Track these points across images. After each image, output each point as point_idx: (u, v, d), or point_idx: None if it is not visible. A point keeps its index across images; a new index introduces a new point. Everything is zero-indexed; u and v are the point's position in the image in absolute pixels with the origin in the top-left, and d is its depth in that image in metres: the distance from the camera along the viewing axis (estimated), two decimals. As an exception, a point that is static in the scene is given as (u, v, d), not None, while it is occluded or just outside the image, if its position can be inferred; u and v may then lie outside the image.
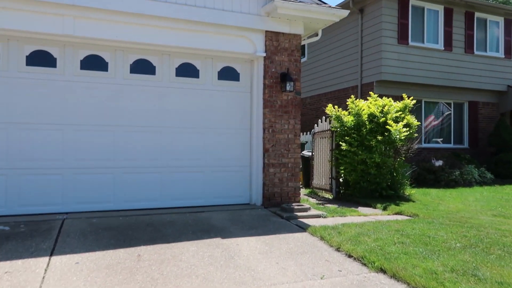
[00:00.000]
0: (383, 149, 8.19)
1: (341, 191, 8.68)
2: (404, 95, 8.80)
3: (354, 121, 8.40)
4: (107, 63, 6.22)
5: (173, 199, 6.54)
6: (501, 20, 14.29)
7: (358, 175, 8.19)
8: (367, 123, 8.27)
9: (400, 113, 8.37)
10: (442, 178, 10.93)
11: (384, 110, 8.40)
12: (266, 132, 6.79)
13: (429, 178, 11.05)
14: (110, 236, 4.87)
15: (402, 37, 12.68)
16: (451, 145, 13.83)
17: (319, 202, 7.97)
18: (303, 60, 16.72)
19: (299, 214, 6.17)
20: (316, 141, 9.71)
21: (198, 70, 6.74)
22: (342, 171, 8.47)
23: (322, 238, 4.91)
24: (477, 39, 13.87)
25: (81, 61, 6.09)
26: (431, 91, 13.32)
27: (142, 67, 6.41)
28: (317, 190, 9.43)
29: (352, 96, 8.91)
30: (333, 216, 6.34)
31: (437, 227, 5.38)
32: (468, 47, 13.66)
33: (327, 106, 8.82)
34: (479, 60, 13.82)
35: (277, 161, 6.85)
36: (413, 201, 7.89)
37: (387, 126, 8.06)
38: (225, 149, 6.87)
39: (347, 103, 8.62)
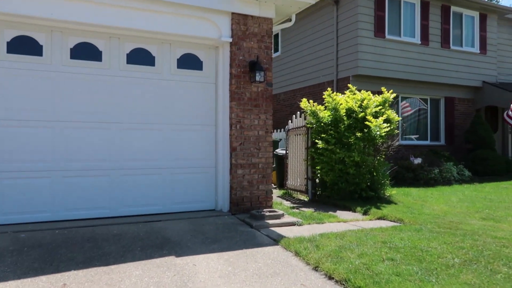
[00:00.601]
0: (363, 147, 7.46)
1: (318, 193, 7.91)
2: (383, 89, 8.11)
3: (331, 116, 7.63)
4: (42, 46, 5.17)
5: (125, 206, 5.56)
6: (476, 14, 13.91)
7: (336, 175, 7.43)
8: (345, 118, 7.52)
9: (380, 107, 7.66)
10: (421, 176, 10.36)
11: (363, 104, 7.66)
12: (233, 128, 5.91)
13: (408, 177, 10.47)
14: (35, 257, 3.88)
15: (379, 30, 12.06)
16: (427, 142, 13.35)
17: (294, 205, 7.16)
18: (276, 54, 15.92)
19: (270, 222, 5.33)
20: (290, 138, 8.91)
21: (154, 57, 5.78)
22: (319, 171, 7.69)
23: (297, 254, 4.08)
24: (453, 34, 13.44)
25: None
26: (408, 87, 12.77)
27: (85, 52, 5.39)
28: (291, 191, 8.63)
29: (328, 88, 8.14)
30: (309, 223, 5.53)
31: (427, 236, 4.65)
32: (445, 41, 13.20)
33: (301, 101, 8.02)
34: (455, 55, 13.39)
35: (246, 161, 5.98)
36: (395, 203, 7.21)
37: (367, 122, 7.33)
38: (186, 148, 5.94)
39: (324, 96, 7.84)
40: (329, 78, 12.93)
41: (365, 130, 7.35)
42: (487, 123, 13.08)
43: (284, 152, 9.55)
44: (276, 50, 16.06)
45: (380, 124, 7.28)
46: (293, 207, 6.91)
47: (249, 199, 5.99)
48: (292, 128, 8.77)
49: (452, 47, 13.31)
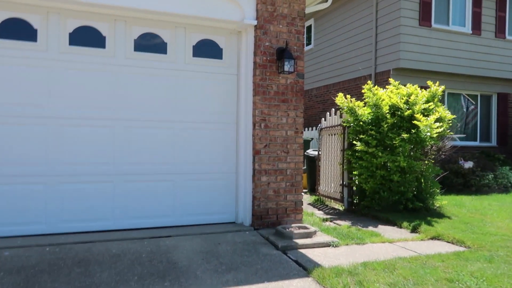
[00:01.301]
0: (409, 150, 6.33)
1: (355, 202, 6.85)
2: (430, 83, 6.90)
3: (372, 114, 6.54)
4: (36, 30, 4.43)
5: (130, 217, 4.75)
6: (536, 0, 12.24)
7: (377, 183, 6.35)
8: (388, 116, 6.40)
9: (429, 104, 6.49)
10: (473, 182, 9.04)
11: (409, 100, 6.52)
12: (257, 127, 4.97)
13: (456, 183, 9.17)
14: (8, 287, 3.11)
15: (424, 18, 10.74)
16: (477, 143, 11.89)
17: (328, 216, 6.15)
18: (308, 47, 14.82)
19: (300, 242, 4.36)
20: (323, 138, 7.87)
21: (166, 44, 4.92)
22: (357, 177, 6.62)
23: (334, 294, 3.10)
24: (510, 22, 11.87)
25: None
26: (456, 81, 11.37)
27: (86, 37, 4.60)
28: (324, 198, 7.61)
29: (369, 81, 7.02)
30: (347, 244, 4.51)
31: (506, 271, 3.54)
32: (500, 31, 11.67)
33: (337, 96, 6.97)
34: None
35: (272, 167, 5.03)
36: (448, 217, 6.04)
37: (415, 121, 6.19)
38: (202, 150, 5.07)
39: (363, 91, 6.75)
40: (366, 72, 11.74)
41: (413, 131, 6.22)
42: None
43: (316, 153, 8.53)
44: (308, 43, 14.98)
45: (431, 124, 6.12)
46: (327, 219, 5.91)
47: (274, 212, 5.05)
48: (326, 127, 7.73)
49: (508, 37, 11.76)
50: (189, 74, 5.01)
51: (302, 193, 5.28)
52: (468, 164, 9.31)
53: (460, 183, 9.15)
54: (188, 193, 4.99)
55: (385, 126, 6.28)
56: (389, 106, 6.47)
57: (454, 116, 6.39)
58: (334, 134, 7.33)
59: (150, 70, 4.83)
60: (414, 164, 6.20)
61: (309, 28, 14.95)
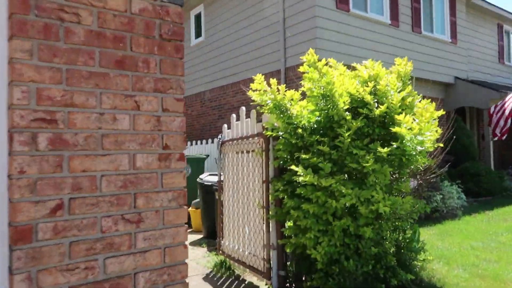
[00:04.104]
0: (392, 178, 3.37)
1: (293, 275, 3.62)
2: (371, 62, 4.10)
3: (320, 113, 3.43)
4: None
5: None
6: (444, -5, 10.94)
7: (335, 244, 3.21)
8: (348, 117, 3.33)
9: (405, 94, 3.63)
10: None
11: (378, 89, 3.57)
12: (18, 147, 1.39)
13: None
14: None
15: (341, 1, 8.31)
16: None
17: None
18: (199, 40, 11.50)
19: None
20: (228, 157, 4.55)
21: None
22: (299, 234, 3.39)
23: None
24: (424, 16, 10.25)
25: None
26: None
27: None
28: (233, 263, 4.24)
29: (272, 80, 3.85)
30: None
31: None
32: (416, 24, 9.93)
33: (249, 88, 3.72)
34: (427, 43, 10.20)
35: (81, 279, 1.49)
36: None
37: (393, 126, 3.26)
38: None
39: (300, 69, 3.55)
40: (273, 67, 8.87)
41: (394, 144, 3.26)
42: (468, 128, 10.03)
43: (215, 179, 5.20)
44: (198, 35, 11.65)
45: (423, 128, 3.24)
46: None
47: None
48: (232, 139, 4.41)
49: (423, 32, 10.09)
50: None
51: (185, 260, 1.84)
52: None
53: (405, 209, 6.67)
54: None
55: (346, 135, 3.18)
56: (349, 98, 3.42)
57: (443, 113, 3.64)
58: (249, 152, 4.04)
59: None
60: (401, 203, 3.23)
61: (198, 16, 11.65)
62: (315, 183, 3.08)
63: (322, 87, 3.36)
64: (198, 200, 6.13)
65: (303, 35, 8.10)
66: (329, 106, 3.36)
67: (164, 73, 1.73)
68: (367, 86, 3.48)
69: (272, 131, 3.53)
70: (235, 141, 4.32)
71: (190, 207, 6.45)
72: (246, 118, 4.20)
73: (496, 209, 7.58)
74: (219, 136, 4.67)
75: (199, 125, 11.60)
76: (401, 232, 3.71)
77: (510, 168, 11.18)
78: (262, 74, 3.62)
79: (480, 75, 12.01)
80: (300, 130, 3.37)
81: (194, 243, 5.48)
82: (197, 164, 6.88)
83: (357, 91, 3.46)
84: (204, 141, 8.85)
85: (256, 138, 3.86)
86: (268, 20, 9.00)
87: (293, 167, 3.15)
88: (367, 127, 3.40)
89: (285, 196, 3.43)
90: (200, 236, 5.93)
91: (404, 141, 3.26)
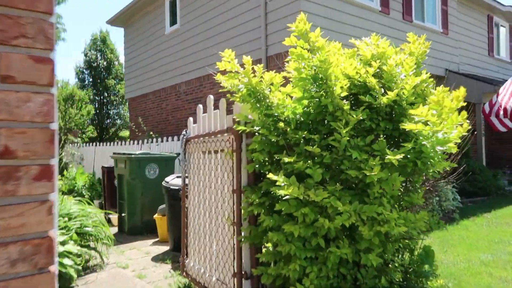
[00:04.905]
0: (403, 188, 2.56)
1: (270, 313, 2.79)
2: (375, 38, 3.29)
3: (309, 102, 2.58)
4: None
5: None
6: (434, -17, 10.25)
7: (329, 275, 2.38)
8: (345, 107, 2.50)
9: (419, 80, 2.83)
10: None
11: (383, 70, 2.74)
12: None
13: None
14: None
15: (329, -17, 7.48)
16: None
17: None
18: (174, 27, 10.52)
19: None
20: (193, 157, 3.67)
21: None
22: (279, 262, 2.54)
23: None
24: (415, 4, 9.53)
25: None
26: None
27: None
28: (197, 287, 3.38)
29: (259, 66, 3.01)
30: None
31: None
32: (407, 12, 9.20)
33: (216, 71, 2.84)
34: (417, 32, 9.46)
35: None
36: None
37: (403, 123, 2.45)
38: None
39: (285, 42, 2.69)
40: (254, 56, 7.99)
41: (406, 145, 2.43)
42: (461, 123, 9.37)
43: (179, 184, 4.34)
44: (173, 22, 10.66)
45: (447, 122, 2.43)
46: None
47: None
48: (198, 136, 3.53)
49: (414, 20, 9.38)
50: None
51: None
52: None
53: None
54: None
55: (343, 131, 2.34)
56: (348, 80, 2.57)
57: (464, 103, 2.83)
58: (217, 152, 3.17)
59: None
60: (414, 221, 2.42)
61: (173, 2, 10.65)
62: (301, 196, 2.24)
63: (314, 67, 2.50)
64: (164, 206, 5.24)
65: (287, 20, 7.24)
66: (321, 92, 2.51)
67: (4, 4, 0.85)
68: (370, 67, 2.65)
69: (245, 125, 2.66)
70: (201, 138, 3.44)
71: (157, 214, 5.55)
72: (215, 109, 3.33)
73: (494, 211, 6.95)
74: (183, 132, 3.78)
75: (174, 120, 10.64)
76: (408, 253, 2.93)
77: (507, 167, 10.62)
78: (241, 64, 2.74)
79: (470, 68, 11.42)
80: (282, 124, 2.51)
81: (157, 259, 4.59)
82: (166, 164, 5.98)
83: (358, 72, 2.62)
84: (176, 138, 7.93)
85: (225, 134, 2.99)
86: (248, 4, 8.11)
87: (270, 175, 2.29)
88: (370, 120, 2.57)
89: (262, 211, 2.57)
90: (166, 247, 5.05)
91: (418, 140, 2.45)
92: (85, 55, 18.77)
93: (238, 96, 2.67)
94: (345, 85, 2.49)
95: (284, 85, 2.70)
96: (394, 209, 2.44)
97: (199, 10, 9.58)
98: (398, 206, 2.61)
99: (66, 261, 3.41)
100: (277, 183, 2.27)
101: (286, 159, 2.36)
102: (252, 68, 2.62)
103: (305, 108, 2.59)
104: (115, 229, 6.21)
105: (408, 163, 2.41)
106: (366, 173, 2.26)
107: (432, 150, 2.42)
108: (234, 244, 2.83)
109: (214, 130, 3.22)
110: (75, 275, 3.43)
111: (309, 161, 2.35)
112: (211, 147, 3.25)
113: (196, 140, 3.57)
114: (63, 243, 3.53)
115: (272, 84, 2.63)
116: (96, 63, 18.55)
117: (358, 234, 2.39)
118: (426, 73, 2.79)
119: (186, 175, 3.81)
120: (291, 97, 2.71)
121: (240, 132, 2.74)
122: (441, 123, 2.37)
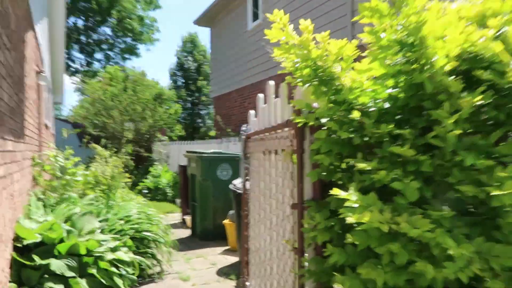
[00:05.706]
0: None
1: None
2: None
3: (397, 81, 1.75)
4: None
5: None
6: None
7: None
8: (453, 87, 1.60)
9: None
10: None
11: (505, 37, 1.77)
12: None
13: None
14: None
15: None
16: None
17: None
18: (256, 22, 10.09)
19: None
20: (253, 158, 3.05)
21: None
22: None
23: None
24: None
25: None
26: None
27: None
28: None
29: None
30: None
31: None
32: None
33: (267, 36, 2.15)
34: None
35: None
36: None
37: None
38: None
39: (359, 10, 1.92)
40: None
41: None
42: None
43: (241, 188, 3.74)
44: (255, 17, 10.25)
45: None
46: None
47: None
48: (256, 132, 2.89)
49: None
50: None
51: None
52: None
53: None
54: None
55: (448, 122, 1.46)
56: (457, 48, 1.67)
57: None
58: (276, 152, 2.49)
59: None
60: None
61: (256, -4, 10.22)
62: (386, 228, 1.43)
63: (402, 28, 1.66)
64: (233, 212, 4.73)
65: None
66: (415, 65, 1.65)
67: None
68: (486, 28, 1.68)
69: (307, 117, 1.93)
70: (261, 135, 2.79)
71: (227, 219, 5.09)
72: (276, 97, 2.65)
73: None
74: (243, 128, 3.18)
75: (229, 122, 10.24)
76: None
77: None
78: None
79: None
80: (357, 114, 1.72)
81: (222, 272, 4.09)
82: (239, 164, 5.48)
83: (468, 38, 1.67)
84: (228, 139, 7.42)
85: (286, 130, 2.29)
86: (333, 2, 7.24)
87: (335, 190, 1.52)
88: (495, 109, 1.61)
89: (329, 239, 1.81)
90: (235, 258, 4.53)
91: None
92: (177, 57, 19.63)
93: (297, 76, 1.95)
94: (452, 53, 1.58)
95: (353, 48, 1.87)
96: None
97: (281, 2, 8.98)
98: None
99: (114, 270, 3.07)
100: (347, 203, 1.49)
101: (362, 166, 1.56)
102: (314, 38, 1.87)
103: (390, 90, 1.75)
104: (188, 232, 5.94)
105: None
106: (491, 191, 1.35)
107: None
108: (295, 278, 2.11)
109: (274, 124, 2.54)
110: (123, 287, 3.07)
111: (398, 170, 1.52)
112: (269, 145, 2.57)
113: (255, 137, 2.93)
114: (114, 250, 3.21)
115: (341, 58, 1.84)
116: (187, 65, 19.26)
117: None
118: None
119: (247, 177, 3.21)
120: (369, 79, 1.89)
121: (301, 125, 2.01)
122: None
